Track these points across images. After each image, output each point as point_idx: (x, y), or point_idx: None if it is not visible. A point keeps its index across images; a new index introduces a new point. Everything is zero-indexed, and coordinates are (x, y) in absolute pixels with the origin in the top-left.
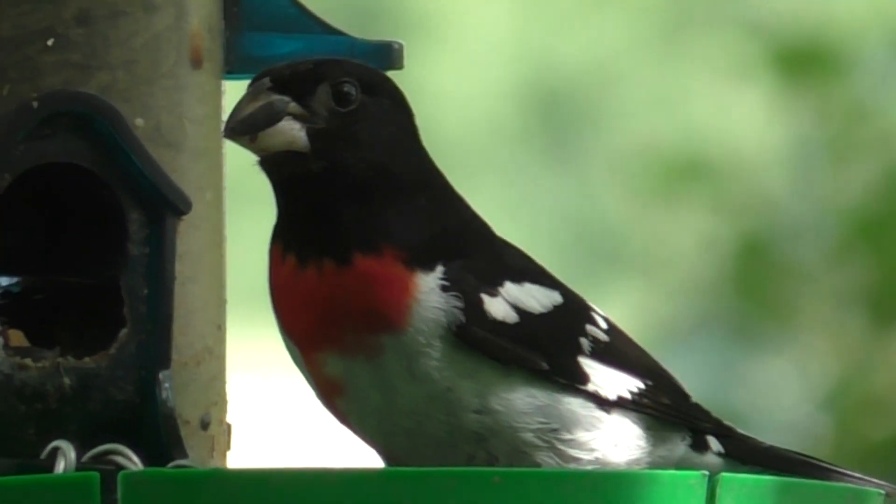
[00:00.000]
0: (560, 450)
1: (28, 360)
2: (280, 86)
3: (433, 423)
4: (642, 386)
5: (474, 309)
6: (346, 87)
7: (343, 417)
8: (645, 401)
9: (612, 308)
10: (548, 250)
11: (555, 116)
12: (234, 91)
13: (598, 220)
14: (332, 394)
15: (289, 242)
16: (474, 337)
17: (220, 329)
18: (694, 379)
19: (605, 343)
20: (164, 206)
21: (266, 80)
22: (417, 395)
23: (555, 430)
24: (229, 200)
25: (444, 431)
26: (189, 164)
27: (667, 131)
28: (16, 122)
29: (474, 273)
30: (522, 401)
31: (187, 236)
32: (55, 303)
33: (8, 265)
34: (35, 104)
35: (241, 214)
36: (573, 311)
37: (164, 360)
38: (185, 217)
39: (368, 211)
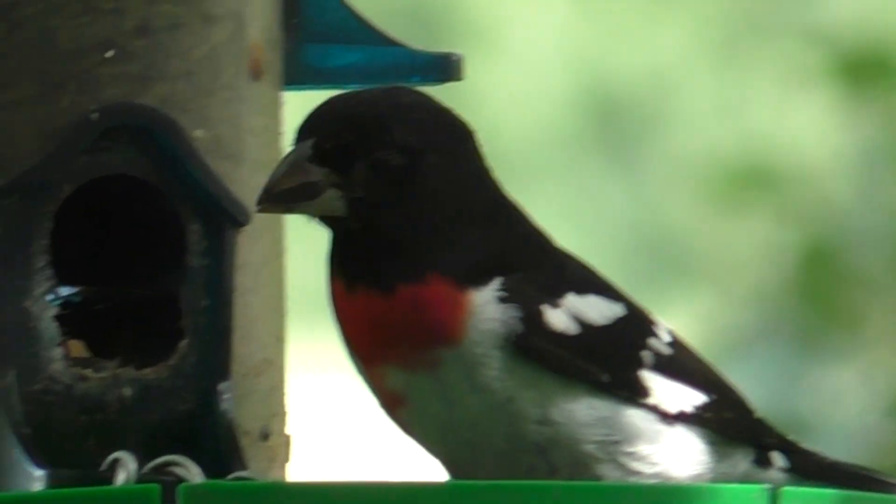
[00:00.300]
0: (621, 462)
1: (89, 371)
2: (321, 157)
3: (494, 434)
4: (705, 400)
5: (534, 320)
6: (387, 159)
7: (406, 428)
8: (708, 415)
9: (674, 316)
10: (608, 258)
11: (615, 123)
12: (293, 102)
13: (659, 227)
14: (394, 405)
15: (338, 267)
16: (534, 347)
17: (280, 340)
18: (758, 387)
19: (667, 356)
20: (223, 217)
21: (307, 148)
22: (479, 406)
23: (616, 443)
24: None
25: (506, 442)
26: (248, 175)
27: (728, 138)
28: (76, 135)
29: (534, 285)
30: (584, 412)
31: (247, 247)
32: (116, 314)
33: (68, 275)
34: (95, 116)
35: (301, 225)
36: (636, 324)
37: (224, 371)
38: (244, 228)
39: (411, 251)
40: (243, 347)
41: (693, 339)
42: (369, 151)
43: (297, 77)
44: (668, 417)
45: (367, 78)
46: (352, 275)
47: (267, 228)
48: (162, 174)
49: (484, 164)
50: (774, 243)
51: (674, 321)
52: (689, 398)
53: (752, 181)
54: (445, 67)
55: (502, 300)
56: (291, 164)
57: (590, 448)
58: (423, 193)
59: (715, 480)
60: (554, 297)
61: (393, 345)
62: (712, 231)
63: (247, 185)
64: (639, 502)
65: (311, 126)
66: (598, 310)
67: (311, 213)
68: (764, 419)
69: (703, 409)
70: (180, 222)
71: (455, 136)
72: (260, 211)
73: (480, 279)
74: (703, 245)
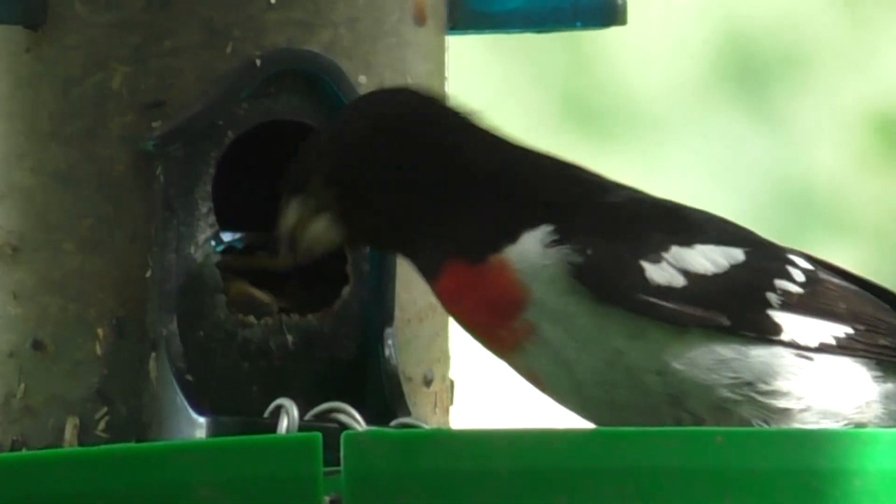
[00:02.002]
0: (762, 402)
1: (251, 318)
2: (291, 188)
3: (621, 391)
4: (850, 331)
5: (636, 276)
6: (336, 170)
7: (552, 399)
8: (857, 345)
9: None
10: (751, 209)
11: (755, 72)
12: (457, 47)
13: (803, 179)
14: (532, 382)
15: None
16: (641, 303)
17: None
18: None
19: (798, 295)
20: None
21: (285, 186)
22: (592, 362)
23: (749, 384)
24: None
25: (637, 397)
26: None
27: (871, 87)
28: (239, 80)
29: (615, 239)
30: (704, 357)
31: None
32: None
33: (232, 221)
34: (258, 62)
35: None
36: (758, 268)
37: (387, 317)
38: None
39: (419, 245)
40: (406, 293)
41: None
42: (316, 169)
43: (460, 22)
44: (808, 351)
45: (529, 23)
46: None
47: None
48: (326, 120)
49: (475, 131)
50: None
51: None
52: (830, 331)
53: None
54: (609, 12)
55: (549, 244)
56: (281, 209)
57: (723, 392)
58: (395, 182)
59: (889, 415)
60: (656, 252)
61: (491, 332)
62: (858, 183)
63: None
64: (799, 448)
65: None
66: (710, 258)
67: (323, 250)
68: None
69: (849, 339)
70: None
71: (418, 121)
72: (289, 265)
73: (511, 236)
74: (849, 197)
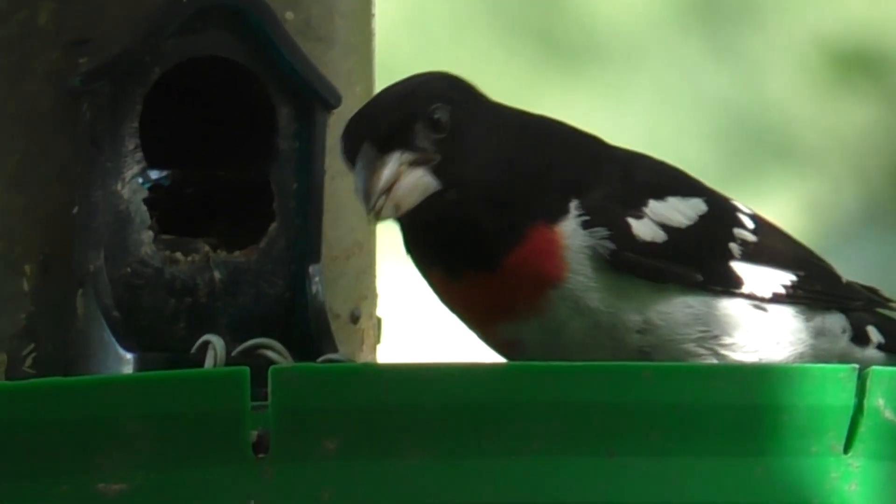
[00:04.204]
0: (723, 355)
1: (178, 254)
2: (382, 145)
3: (599, 350)
4: (794, 278)
5: (623, 234)
6: (437, 114)
7: (514, 356)
8: (799, 292)
9: (775, 201)
10: (708, 140)
11: (715, 4)
12: None
13: (760, 110)
14: (509, 350)
15: (429, 258)
16: (627, 261)
17: (369, 223)
18: (861, 271)
19: (753, 244)
20: (314, 100)
21: (369, 149)
22: (584, 326)
23: (715, 337)
24: None
25: (610, 355)
26: (339, 58)
27: (830, 19)
28: (165, 17)
29: (615, 200)
30: (681, 312)
31: (337, 130)
32: (206, 197)
33: (159, 159)
34: None
35: None
36: (719, 218)
37: (314, 254)
38: (334, 111)
39: (502, 209)
40: (333, 230)
41: (794, 222)
42: (418, 116)
43: None
44: (763, 302)
45: None
46: (451, 260)
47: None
48: (252, 56)
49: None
50: (878, 126)
51: (775, 205)
52: (779, 279)
53: (855, 64)
54: None
55: (586, 224)
56: (368, 167)
57: (691, 346)
58: (482, 138)
59: (816, 359)
60: (638, 208)
61: (507, 307)
62: (814, 114)
63: (338, 67)
64: (728, 383)
65: (356, 134)
66: (681, 211)
67: (415, 202)
68: (852, 284)
69: (793, 286)
70: (271, 105)
71: (470, 86)
72: (380, 220)
73: (561, 209)
74: (805, 128)
